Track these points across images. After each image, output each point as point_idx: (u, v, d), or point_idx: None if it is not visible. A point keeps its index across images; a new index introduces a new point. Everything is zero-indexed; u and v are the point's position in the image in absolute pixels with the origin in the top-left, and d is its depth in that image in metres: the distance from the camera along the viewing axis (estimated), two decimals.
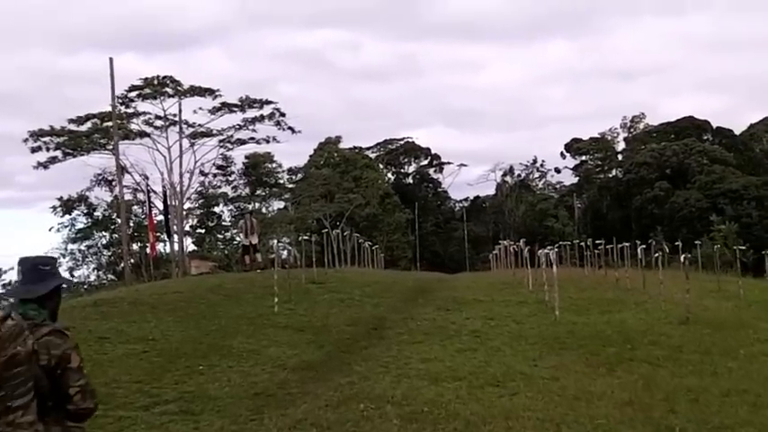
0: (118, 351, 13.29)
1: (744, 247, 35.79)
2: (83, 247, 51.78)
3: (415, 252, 72.07)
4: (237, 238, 45.53)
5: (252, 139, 48.28)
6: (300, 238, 26.44)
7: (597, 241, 29.71)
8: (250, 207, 47.38)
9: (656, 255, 21.93)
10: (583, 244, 30.38)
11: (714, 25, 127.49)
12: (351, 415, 9.07)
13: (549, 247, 25.28)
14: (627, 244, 25.85)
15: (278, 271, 19.46)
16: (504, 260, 35.22)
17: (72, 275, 51.15)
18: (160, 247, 45.30)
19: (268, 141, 48.31)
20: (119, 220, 39.26)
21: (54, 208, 50.29)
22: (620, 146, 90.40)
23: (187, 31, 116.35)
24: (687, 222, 66.92)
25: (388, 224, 68.76)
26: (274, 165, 54.25)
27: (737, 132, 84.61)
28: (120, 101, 42.86)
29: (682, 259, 19.43)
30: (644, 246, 26.58)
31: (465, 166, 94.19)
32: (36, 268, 4.11)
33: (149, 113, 45.58)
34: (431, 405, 9.47)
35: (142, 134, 44.94)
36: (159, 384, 11.00)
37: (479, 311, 17.65)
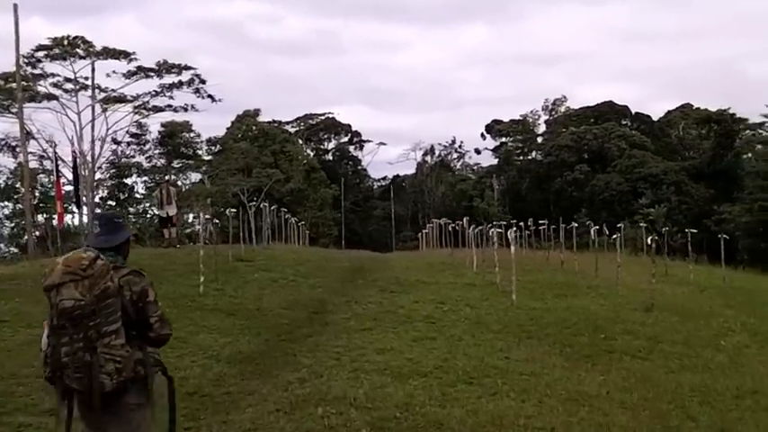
0: (18, 338, 11.35)
1: (673, 231, 35.64)
2: None
3: (341, 229, 70.44)
4: (152, 211, 43.17)
5: (169, 106, 45.17)
6: (227, 211, 24.42)
7: (522, 223, 28.87)
8: (166, 177, 44.66)
9: (596, 238, 21.02)
10: (514, 224, 29.33)
11: (631, 16, 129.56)
12: (309, 423, 7.47)
13: (481, 226, 24.22)
14: (556, 226, 24.96)
15: (202, 247, 17.58)
16: (432, 240, 34.18)
17: None
18: (68, 218, 42.43)
19: (186, 110, 45.31)
20: (23, 189, 36.32)
21: None
22: (541, 129, 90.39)
23: None
24: (608, 205, 67.24)
25: (313, 200, 66.86)
26: (192, 135, 51.60)
27: (655, 119, 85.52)
28: (27, 61, 39.59)
29: (648, 241, 18.27)
30: (569, 227, 25.74)
31: (384, 144, 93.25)
32: (112, 221, 5.03)
33: (58, 75, 42.22)
34: (403, 409, 7.95)
35: (50, 97, 41.55)
36: None
37: (427, 294, 16.24)
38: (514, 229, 19.17)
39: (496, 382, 9.14)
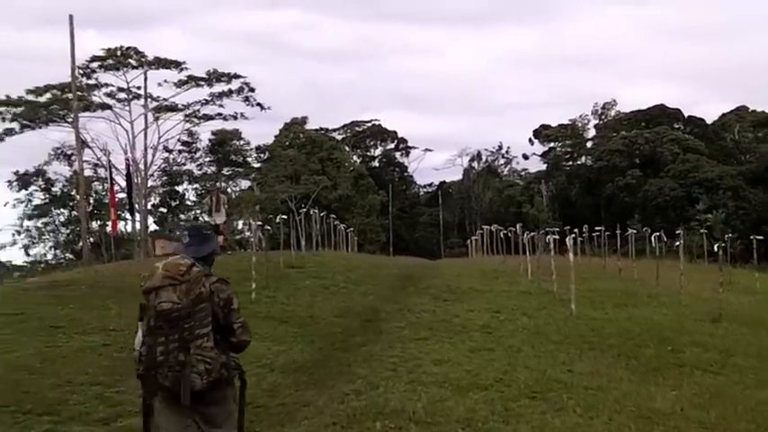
0: (73, 344, 11.23)
1: (732, 237, 34.68)
2: (39, 225, 48.88)
3: (389, 236, 70.15)
4: (203, 218, 43.33)
5: (219, 114, 45.77)
6: (277, 218, 24.24)
7: (576, 229, 28.24)
8: (218, 184, 44.80)
9: (657, 244, 20.43)
10: (567, 231, 28.74)
11: (680, 15, 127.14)
12: None
13: (533, 233, 23.74)
14: (610, 232, 24.34)
15: (253, 253, 17.45)
16: (481, 246, 33.75)
17: (27, 254, 48.65)
18: (121, 225, 42.83)
19: (236, 117, 45.85)
20: (78, 197, 36.73)
21: (10, 182, 47.21)
22: (591, 133, 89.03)
23: (146, 9, 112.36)
24: (661, 211, 65.92)
25: (361, 207, 66.68)
26: (242, 142, 51.79)
27: (709, 122, 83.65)
28: (82, 71, 40.23)
29: (715, 248, 17.66)
30: (625, 234, 25.12)
31: (430, 151, 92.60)
32: (201, 233, 5.30)
33: (112, 85, 42.91)
34: (464, 424, 7.64)
35: (104, 106, 42.25)
36: (123, 388, 8.99)
37: (481, 303, 15.90)
38: (572, 235, 18.65)
39: (561, 397, 8.77)
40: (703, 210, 47.10)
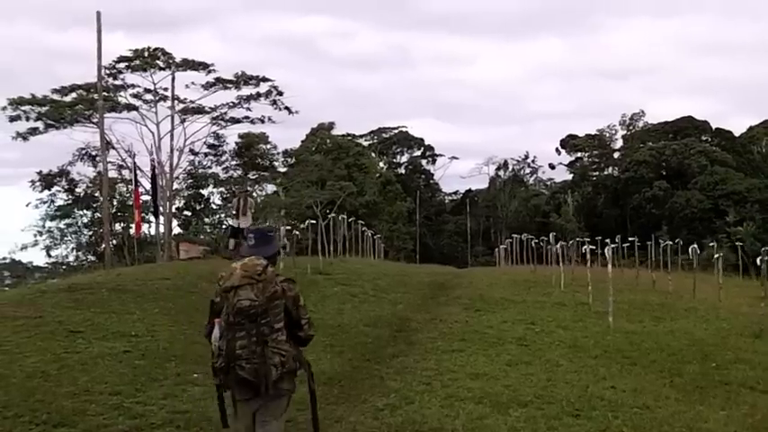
0: (93, 350, 10.82)
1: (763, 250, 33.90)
2: (62, 226, 48.78)
3: (416, 243, 69.62)
4: (227, 221, 42.98)
5: (246, 118, 45.38)
6: (306, 223, 23.74)
7: (607, 240, 27.59)
8: (248, 187, 44.32)
9: (695, 257, 19.80)
10: (601, 241, 28.09)
11: (709, 28, 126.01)
12: None
13: (562, 242, 23.16)
14: (641, 244, 23.72)
15: (281, 259, 17.01)
16: (512, 255, 33.22)
17: (49, 255, 48.57)
18: (145, 228, 42.65)
19: (263, 121, 45.43)
20: (101, 198, 36.57)
21: (33, 182, 47.11)
22: (618, 144, 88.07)
23: (178, 11, 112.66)
24: (688, 223, 65.08)
25: (388, 213, 66.23)
26: (268, 146, 51.51)
27: (736, 135, 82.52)
28: (108, 72, 40.09)
29: (758, 261, 17.02)
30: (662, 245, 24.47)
31: (456, 159, 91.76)
32: (266, 235, 5.88)
33: (138, 86, 42.75)
34: None
35: (130, 107, 42.11)
36: (143, 399, 8.61)
37: (514, 314, 15.40)
38: (613, 246, 18.08)
39: (606, 416, 8.27)
40: (733, 222, 46.11)
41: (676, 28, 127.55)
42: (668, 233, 54.46)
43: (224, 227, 47.27)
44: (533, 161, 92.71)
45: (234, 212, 23.77)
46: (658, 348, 12.32)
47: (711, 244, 25.69)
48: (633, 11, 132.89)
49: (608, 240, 26.59)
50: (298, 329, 5.47)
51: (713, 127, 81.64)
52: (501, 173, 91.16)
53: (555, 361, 11.13)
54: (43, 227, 48.16)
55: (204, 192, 52.02)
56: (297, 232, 21.86)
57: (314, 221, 23.45)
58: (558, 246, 22.32)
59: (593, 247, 19.39)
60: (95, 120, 36.12)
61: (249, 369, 5.17)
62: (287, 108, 45.04)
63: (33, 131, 41.26)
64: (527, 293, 18.58)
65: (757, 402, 9.30)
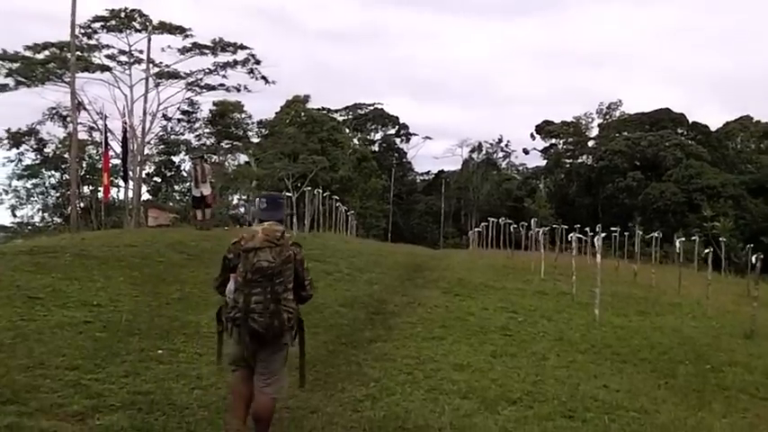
0: (51, 318, 10.09)
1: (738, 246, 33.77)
2: (29, 185, 47.65)
3: (388, 222, 68.99)
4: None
5: (222, 85, 44.20)
6: (282, 195, 22.85)
7: (576, 227, 27.16)
8: (205, 151, 42.96)
9: (681, 250, 19.35)
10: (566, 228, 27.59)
11: (691, 20, 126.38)
12: None
13: (540, 228, 22.58)
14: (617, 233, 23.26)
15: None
16: (485, 239, 32.72)
17: (14, 215, 47.44)
18: (113, 192, 41.55)
19: (239, 90, 44.28)
20: (70, 159, 35.44)
21: (0, 140, 45.77)
22: (594, 132, 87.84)
23: None
24: (661, 215, 65.05)
25: (362, 190, 65.49)
26: (243, 116, 50.42)
27: (712, 129, 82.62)
28: (83, 31, 38.85)
29: (753, 260, 16.56)
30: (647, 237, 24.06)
31: (430, 138, 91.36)
32: (277, 201, 6.47)
33: (113, 47, 41.47)
34: None
35: (103, 68, 40.83)
36: (103, 376, 7.91)
37: (495, 301, 14.86)
38: (603, 235, 17.49)
39: (602, 420, 7.70)
40: (710, 217, 46.02)
41: (659, 17, 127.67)
42: (642, 224, 54.43)
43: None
44: (507, 145, 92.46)
45: (192, 181, 22.84)
46: (648, 345, 11.82)
47: (693, 239, 25.25)
48: None
49: (587, 229, 26.20)
50: (301, 289, 6.05)
51: (690, 120, 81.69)
52: (474, 155, 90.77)
53: (541, 354, 10.57)
54: (9, 186, 47.04)
55: (175, 159, 50.95)
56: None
57: (289, 194, 22.66)
58: (540, 232, 21.70)
59: (580, 236, 18.84)
60: (67, 79, 34.88)
61: (261, 322, 5.74)
62: (264, 77, 43.98)
63: (3, 88, 39.93)
64: (506, 280, 18.04)
65: (759, 411, 8.80)
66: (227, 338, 6.13)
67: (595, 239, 16.17)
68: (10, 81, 39.80)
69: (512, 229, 26.95)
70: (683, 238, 22.06)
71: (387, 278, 16.99)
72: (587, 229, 26.47)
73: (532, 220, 24.97)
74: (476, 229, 34.30)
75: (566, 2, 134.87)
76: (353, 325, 11.66)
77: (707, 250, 18.48)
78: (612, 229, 24.02)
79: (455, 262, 21.76)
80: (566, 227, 28.72)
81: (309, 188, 27.11)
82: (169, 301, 11.94)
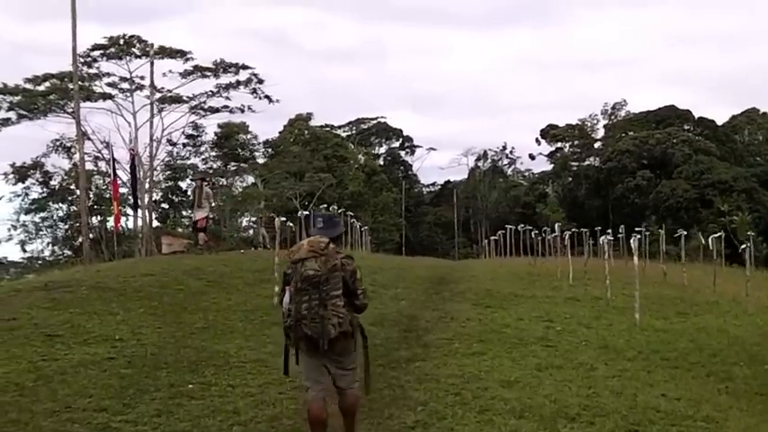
0: (73, 356, 9.64)
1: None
2: (37, 219, 47.11)
3: (402, 236, 68.39)
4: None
5: (225, 107, 44.10)
6: (300, 214, 22.35)
7: (585, 229, 26.64)
8: (210, 174, 42.55)
9: (715, 247, 18.82)
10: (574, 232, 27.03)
11: (690, 18, 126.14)
12: None
13: (557, 233, 22.06)
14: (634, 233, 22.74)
15: (277, 253, 15.77)
16: (500, 247, 32.26)
17: (24, 250, 46.95)
18: (122, 221, 41.14)
19: (242, 111, 44.07)
20: (78, 191, 35.05)
21: (6, 175, 45.29)
22: (599, 133, 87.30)
23: (151, 3, 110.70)
24: (674, 213, 64.44)
25: (374, 204, 64.97)
26: (249, 137, 50.06)
27: (719, 123, 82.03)
28: (83, 60, 38.65)
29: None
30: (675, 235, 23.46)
31: (434, 150, 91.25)
32: (331, 220, 6.95)
33: (114, 75, 41.29)
34: None
35: (105, 96, 40.62)
36: (134, 416, 7.46)
37: (528, 310, 14.32)
38: (638, 236, 16.95)
39: None
40: (727, 211, 45.46)
41: (649, 18, 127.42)
42: (656, 223, 53.82)
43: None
44: (512, 152, 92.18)
45: (190, 204, 22.32)
46: (697, 348, 11.27)
47: (717, 235, 24.62)
48: (605, 2, 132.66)
49: (597, 230, 25.62)
50: (354, 298, 6.31)
51: (696, 116, 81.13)
52: (480, 164, 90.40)
53: (589, 364, 10.02)
54: (17, 221, 46.50)
55: (182, 184, 50.53)
56: (291, 223, 20.64)
57: (306, 213, 22.18)
58: (567, 236, 21.11)
59: (611, 239, 18.29)
60: (70, 109, 34.71)
61: (312, 327, 6.06)
62: (267, 97, 43.77)
63: (5, 122, 39.80)
64: (534, 288, 17.50)
65: None
66: (293, 353, 6.35)
67: (631, 242, 15.63)
68: (12, 114, 39.66)
69: (532, 236, 26.40)
70: (721, 234, 21.50)
71: (412, 293, 16.51)
72: (597, 230, 25.99)
73: (556, 225, 24.36)
74: (492, 238, 33.76)
75: (561, 9, 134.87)
76: (387, 344, 11.14)
77: (744, 246, 17.91)
78: (637, 229, 23.35)
79: (478, 272, 21.20)
80: (586, 230, 28.16)
81: (325, 206, 26.72)
82: (193, 331, 11.47)
